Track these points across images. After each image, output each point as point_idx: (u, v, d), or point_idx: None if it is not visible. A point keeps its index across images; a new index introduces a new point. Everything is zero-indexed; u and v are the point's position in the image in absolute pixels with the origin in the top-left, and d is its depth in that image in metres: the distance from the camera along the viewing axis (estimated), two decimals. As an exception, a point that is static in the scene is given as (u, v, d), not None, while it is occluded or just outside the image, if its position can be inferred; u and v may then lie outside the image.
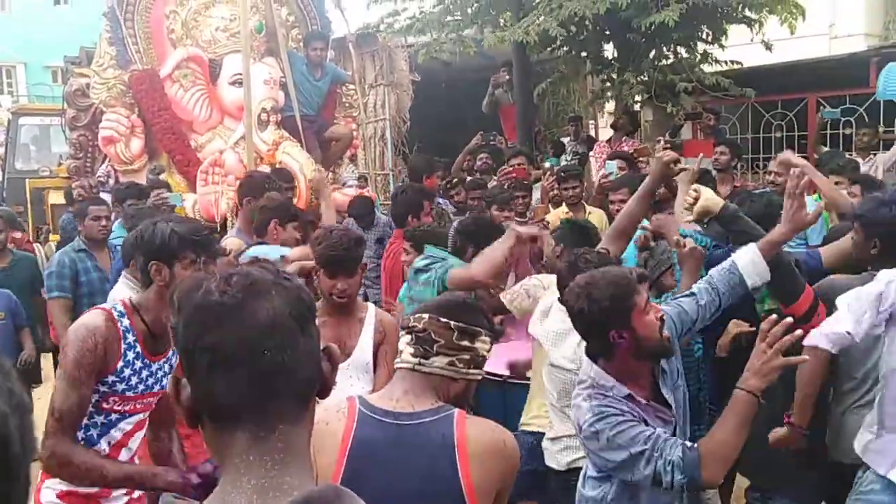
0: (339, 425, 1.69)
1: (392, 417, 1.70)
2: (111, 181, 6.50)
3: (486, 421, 1.78)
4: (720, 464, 1.97)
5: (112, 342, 2.20)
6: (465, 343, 1.75)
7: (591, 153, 7.91)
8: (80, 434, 2.23)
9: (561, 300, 2.37)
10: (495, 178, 6.59)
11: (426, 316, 1.77)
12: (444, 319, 1.75)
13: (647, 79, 7.46)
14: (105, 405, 2.26)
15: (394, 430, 1.69)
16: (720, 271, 2.41)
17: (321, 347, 1.00)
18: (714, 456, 1.96)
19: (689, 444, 1.99)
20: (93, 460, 2.15)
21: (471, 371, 1.77)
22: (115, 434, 2.32)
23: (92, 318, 2.21)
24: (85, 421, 2.24)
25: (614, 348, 2.06)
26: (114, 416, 2.30)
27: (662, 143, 5.63)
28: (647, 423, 2.03)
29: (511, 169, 6.42)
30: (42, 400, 4.94)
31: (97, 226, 4.60)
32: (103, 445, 2.29)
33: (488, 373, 4.08)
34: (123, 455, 2.35)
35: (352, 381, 2.93)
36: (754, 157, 9.26)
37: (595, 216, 5.13)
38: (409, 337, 1.78)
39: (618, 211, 4.59)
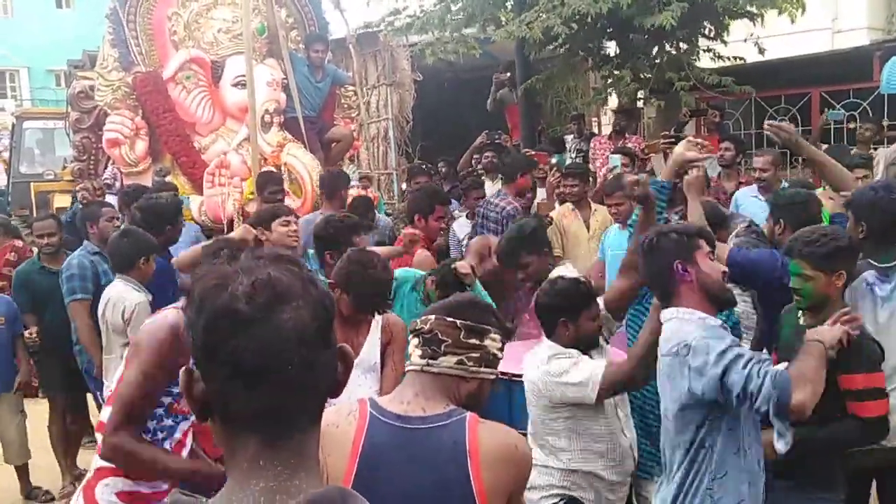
0: (350, 429, 1.68)
1: (403, 421, 1.69)
2: (117, 184, 6.50)
3: (498, 425, 1.76)
4: (809, 389, 2.03)
5: (185, 343, 2.19)
6: (474, 341, 1.74)
7: (591, 147, 7.88)
8: (148, 437, 2.23)
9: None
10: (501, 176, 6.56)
11: (432, 317, 1.77)
12: (450, 319, 1.74)
13: (646, 76, 7.44)
14: (176, 406, 2.25)
15: (404, 435, 1.67)
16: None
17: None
18: (803, 379, 2.04)
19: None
20: (158, 455, 2.16)
21: (482, 370, 1.76)
22: (178, 435, 2.31)
23: (171, 316, 2.16)
24: (153, 424, 2.23)
25: (679, 287, 2.18)
26: (180, 418, 2.29)
27: (662, 140, 5.61)
28: None
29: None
30: (39, 410, 4.99)
31: (112, 227, 4.55)
32: (167, 446, 2.29)
33: (501, 373, 4.06)
34: (183, 453, 2.34)
35: (359, 381, 2.93)
36: (758, 153, 9.22)
37: (600, 214, 5.12)
38: (416, 339, 1.78)
39: (615, 214, 4.52)
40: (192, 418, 2.34)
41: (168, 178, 6.24)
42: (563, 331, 2.73)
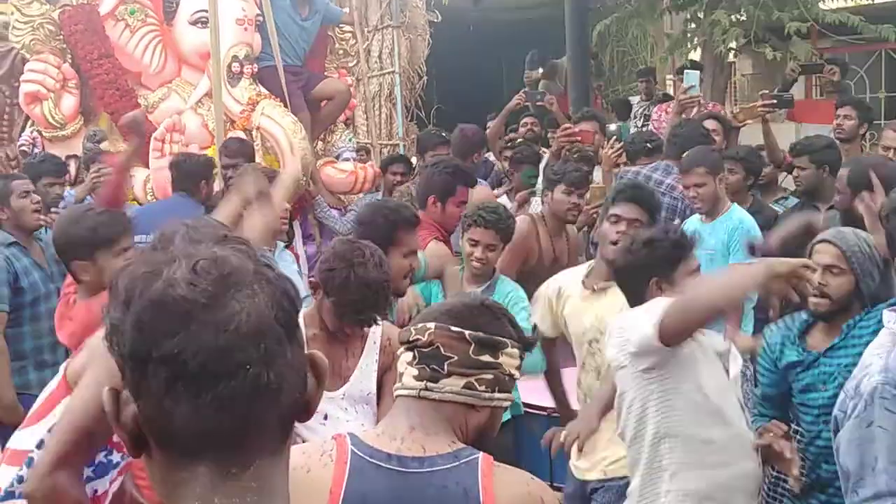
0: (326, 473, 1.69)
1: (396, 463, 1.70)
2: (37, 150, 6.52)
3: (518, 471, 1.79)
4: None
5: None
6: (487, 358, 1.74)
7: (656, 117, 7.82)
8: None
9: None
10: (545, 150, 6.52)
11: (432, 325, 1.75)
12: (456, 329, 1.74)
13: (745, 18, 7.35)
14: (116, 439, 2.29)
15: (399, 481, 1.68)
16: None
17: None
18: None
19: None
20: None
21: (496, 395, 1.76)
22: (103, 482, 2.36)
23: None
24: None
25: None
26: (116, 457, 2.34)
27: (762, 103, 5.52)
28: None
29: (577, 129, 6.30)
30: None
31: (30, 205, 4.49)
32: (89, 492, 2.33)
33: (530, 405, 4.09)
34: None
35: (348, 416, 2.95)
36: (889, 122, 9.09)
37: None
38: (410, 354, 1.77)
39: (694, 197, 4.52)
40: (124, 460, 2.39)
41: (104, 145, 6.23)
42: (657, 295, 2.76)
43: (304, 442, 2.82)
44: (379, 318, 2.95)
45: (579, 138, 6.08)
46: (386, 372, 3.02)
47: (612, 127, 7.25)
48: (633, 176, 5.09)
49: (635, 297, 2.87)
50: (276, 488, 0.95)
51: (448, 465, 1.68)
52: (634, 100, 9.02)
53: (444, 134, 6.90)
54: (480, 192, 5.41)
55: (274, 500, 0.94)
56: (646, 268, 2.85)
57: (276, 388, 0.93)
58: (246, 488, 0.92)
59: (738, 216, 4.51)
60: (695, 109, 5.91)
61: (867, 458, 2.00)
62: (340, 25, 7.50)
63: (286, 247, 4.65)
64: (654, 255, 2.86)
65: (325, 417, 2.91)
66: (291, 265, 4.34)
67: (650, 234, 2.95)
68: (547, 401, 3.82)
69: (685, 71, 6.26)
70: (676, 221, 4.71)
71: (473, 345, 1.73)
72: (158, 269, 0.93)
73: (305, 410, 1.00)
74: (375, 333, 3.05)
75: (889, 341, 2.10)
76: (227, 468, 0.92)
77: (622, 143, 5.82)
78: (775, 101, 5.48)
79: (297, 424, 1.01)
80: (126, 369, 0.94)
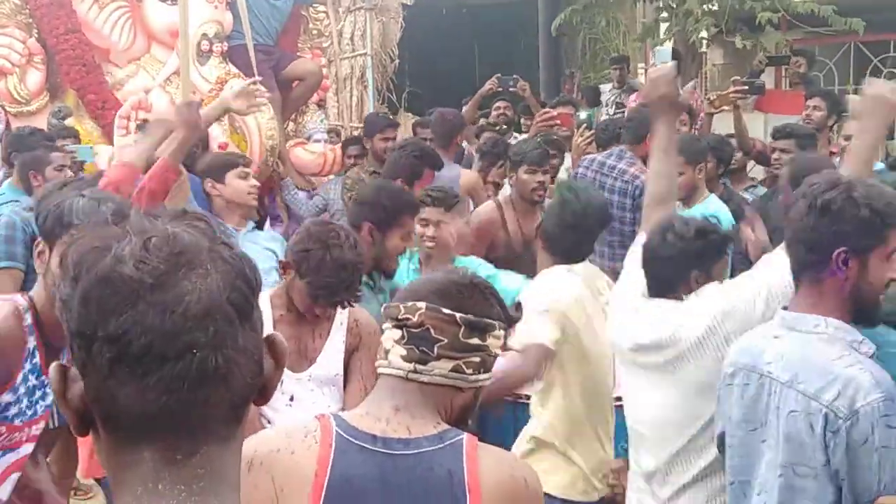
0: (310, 455, 1.66)
1: (381, 445, 1.68)
2: (2, 126, 6.45)
3: (503, 453, 1.77)
4: None
5: (15, 346, 2.15)
6: (475, 341, 1.73)
7: (630, 105, 7.85)
8: None
9: None
10: (516, 135, 6.53)
11: (423, 306, 1.73)
12: (448, 311, 1.72)
13: (717, 7, 7.39)
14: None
15: (385, 463, 1.67)
16: None
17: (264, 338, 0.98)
18: None
19: None
20: None
21: (481, 377, 1.76)
22: None
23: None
24: None
25: (824, 280, 2.09)
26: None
27: (733, 89, 5.57)
28: None
29: (555, 113, 6.29)
30: None
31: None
32: None
33: None
34: None
35: (314, 398, 2.94)
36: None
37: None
38: (399, 333, 1.74)
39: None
40: (11, 457, 2.29)
41: (68, 122, 6.19)
42: (693, 290, 2.64)
43: (269, 424, 2.82)
44: (352, 300, 2.94)
45: (559, 121, 6.09)
46: (353, 353, 3.02)
47: (583, 115, 7.28)
48: (589, 163, 5.13)
49: (666, 287, 2.71)
50: (226, 475, 0.93)
51: (433, 448, 1.68)
52: (606, 87, 9.03)
53: (390, 116, 6.89)
54: (469, 177, 5.43)
55: (222, 487, 0.92)
56: (691, 259, 2.66)
57: (225, 373, 0.91)
58: (193, 475, 0.91)
59: (714, 206, 4.54)
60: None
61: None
62: (314, 5, 7.45)
63: (255, 227, 4.62)
64: (705, 246, 2.67)
65: (292, 399, 2.90)
66: (272, 242, 4.28)
67: (701, 225, 2.73)
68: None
69: (656, 48, 6.27)
70: (628, 204, 4.73)
71: (463, 328, 1.72)
72: (108, 244, 0.91)
73: (262, 394, 0.98)
74: (343, 315, 3.03)
75: (842, 349, 2.07)
76: (173, 453, 0.91)
77: (592, 131, 5.84)
78: (747, 87, 5.51)
79: (262, 407, 0.99)
80: (73, 346, 0.92)
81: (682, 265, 2.66)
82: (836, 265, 2.06)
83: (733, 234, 2.78)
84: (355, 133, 7.73)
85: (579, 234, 3.35)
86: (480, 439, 1.75)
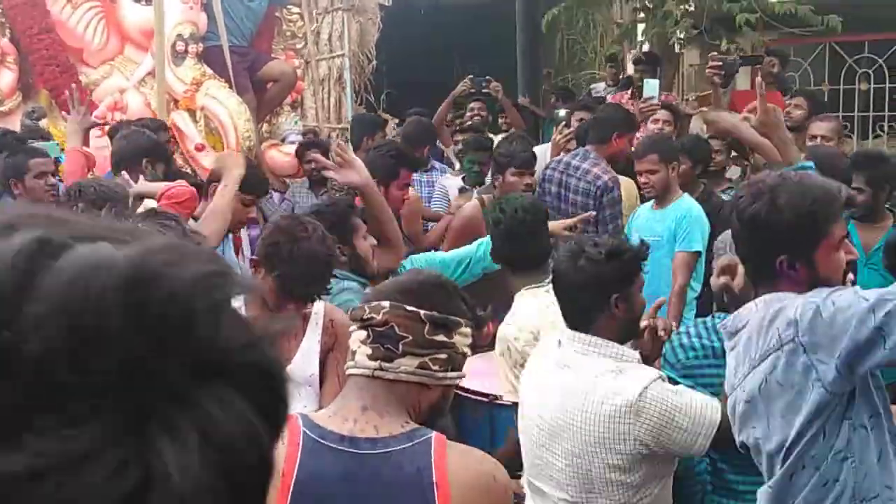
0: (277, 455, 1.64)
1: (349, 444, 1.69)
2: (-27, 128, 6.40)
3: (470, 450, 1.79)
4: None
5: None
6: (441, 338, 1.74)
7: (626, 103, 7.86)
8: None
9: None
10: (492, 136, 6.53)
11: (387, 304, 1.74)
12: (411, 308, 1.73)
13: (694, 8, 7.43)
14: None
15: (352, 462, 1.68)
16: None
17: None
18: None
19: None
20: None
21: (449, 374, 1.77)
22: None
23: None
24: None
25: (780, 286, 2.09)
26: None
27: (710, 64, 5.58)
28: None
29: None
30: None
31: (44, 188, 4.43)
32: None
33: (474, 392, 4.12)
34: None
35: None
36: (821, 117, 9.23)
37: (624, 186, 5.08)
38: (363, 333, 1.75)
39: (645, 183, 4.61)
40: None
41: (42, 123, 6.14)
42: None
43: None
44: (323, 293, 2.94)
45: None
46: (328, 353, 3.01)
47: (562, 113, 7.30)
48: (556, 164, 5.13)
49: (584, 318, 2.52)
50: None
51: (401, 447, 1.68)
52: (599, 86, 9.04)
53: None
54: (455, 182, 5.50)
55: None
56: (606, 283, 2.47)
57: None
58: None
59: (687, 205, 4.56)
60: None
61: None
62: (288, 7, 7.45)
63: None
64: (620, 266, 2.48)
65: None
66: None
67: (611, 245, 2.51)
68: (490, 387, 3.81)
69: (645, 80, 6.29)
70: (591, 204, 4.74)
71: (428, 325, 1.73)
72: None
73: None
74: (318, 314, 3.02)
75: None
76: None
77: (571, 129, 5.85)
78: (721, 64, 5.49)
79: None
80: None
81: (598, 291, 2.48)
82: (783, 271, 2.07)
83: (644, 249, 2.56)
84: (333, 134, 7.72)
85: (522, 237, 3.34)
86: (459, 440, 1.76)
